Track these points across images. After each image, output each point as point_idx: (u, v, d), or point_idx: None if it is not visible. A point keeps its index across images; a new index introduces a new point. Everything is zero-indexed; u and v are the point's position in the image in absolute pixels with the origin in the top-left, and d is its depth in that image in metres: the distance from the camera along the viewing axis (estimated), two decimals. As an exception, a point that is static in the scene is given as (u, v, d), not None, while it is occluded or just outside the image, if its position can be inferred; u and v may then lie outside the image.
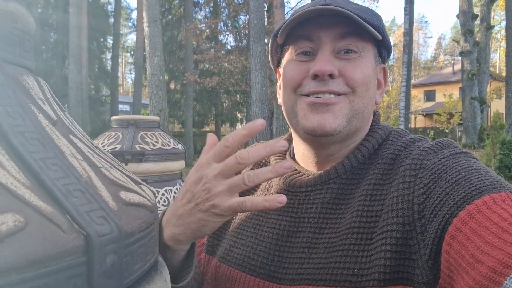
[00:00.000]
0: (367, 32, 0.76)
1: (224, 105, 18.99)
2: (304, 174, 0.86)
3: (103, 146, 2.05)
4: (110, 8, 20.70)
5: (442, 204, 0.64)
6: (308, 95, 0.79)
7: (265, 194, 0.89)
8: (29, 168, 0.30)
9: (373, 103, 0.85)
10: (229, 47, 17.41)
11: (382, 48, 0.85)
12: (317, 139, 0.81)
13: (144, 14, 7.43)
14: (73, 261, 0.28)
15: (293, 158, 0.92)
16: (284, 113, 0.88)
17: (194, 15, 18.61)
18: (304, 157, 0.88)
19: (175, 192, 2.22)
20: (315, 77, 0.78)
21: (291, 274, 0.77)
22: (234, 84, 12.91)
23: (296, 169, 0.88)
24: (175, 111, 18.69)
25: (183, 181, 2.57)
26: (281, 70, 0.89)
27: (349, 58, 0.79)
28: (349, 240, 0.73)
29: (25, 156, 0.31)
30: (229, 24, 18.54)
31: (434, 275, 0.63)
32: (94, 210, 0.31)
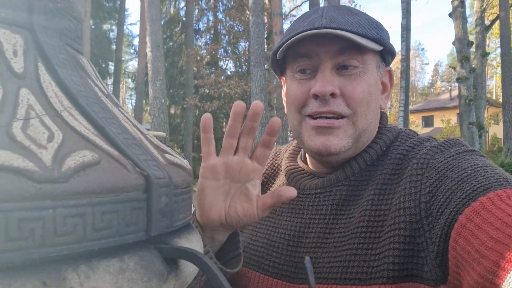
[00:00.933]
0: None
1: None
2: (315, 176, 0.88)
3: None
4: (113, 35, 21.11)
5: (448, 202, 0.64)
6: (311, 115, 0.80)
7: None
8: (95, 123, 0.36)
9: (378, 111, 0.85)
10: (229, 73, 17.68)
11: (385, 53, 0.84)
12: (323, 158, 0.82)
13: (148, 40, 7.60)
14: (136, 195, 0.34)
15: (304, 161, 0.93)
16: (291, 130, 0.89)
17: (195, 41, 18.96)
18: (313, 161, 0.89)
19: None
20: (316, 97, 0.78)
21: (302, 273, 0.80)
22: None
23: (306, 171, 0.90)
24: (175, 136, 18.78)
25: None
26: (285, 79, 0.90)
27: (350, 73, 0.78)
28: (357, 239, 0.74)
29: (91, 113, 0.37)
30: (229, 51, 18.87)
31: (443, 272, 0.64)
32: (149, 160, 0.37)
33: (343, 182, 0.82)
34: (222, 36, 19.10)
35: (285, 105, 0.92)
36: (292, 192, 0.68)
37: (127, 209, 0.32)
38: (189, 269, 0.39)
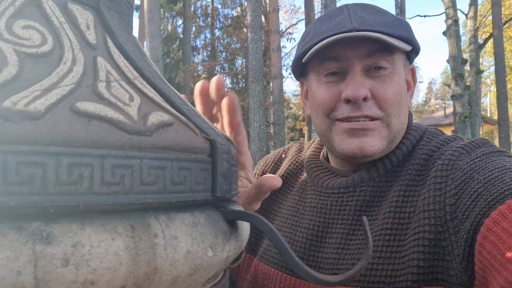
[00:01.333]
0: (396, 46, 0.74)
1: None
2: (337, 175, 0.86)
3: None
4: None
5: (474, 205, 0.63)
6: (342, 120, 0.77)
7: (300, 194, 0.90)
8: (161, 92, 0.38)
9: (407, 112, 0.83)
10: (226, 89, 17.76)
11: (411, 51, 0.82)
12: (357, 160, 0.80)
13: (147, 54, 7.65)
14: (204, 158, 0.36)
15: (327, 158, 0.92)
16: (317, 134, 0.87)
17: (192, 58, 19.11)
18: (337, 159, 0.87)
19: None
20: (348, 101, 0.76)
21: (325, 273, 0.75)
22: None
23: (329, 169, 0.88)
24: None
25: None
26: (305, 82, 0.88)
27: (380, 75, 0.77)
28: (381, 241, 0.73)
29: (157, 85, 0.39)
30: (226, 67, 19.01)
31: (469, 276, 0.63)
32: (210, 128, 0.39)
33: (368, 182, 0.80)
34: (219, 53, 19.27)
35: (305, 107, 0.90)
36: (275, 181, 0.58)
37: (197, 168, 0.34)
38: (245, 234, 0.41)
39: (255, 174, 1.01)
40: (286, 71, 18.55)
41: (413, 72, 0.87)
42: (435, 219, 0.68)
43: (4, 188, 0.24)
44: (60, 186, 0.25)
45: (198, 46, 20.73)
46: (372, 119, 0.76)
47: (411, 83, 0.87)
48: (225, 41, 18.01)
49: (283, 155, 1.01)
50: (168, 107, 0.36)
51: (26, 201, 0.24)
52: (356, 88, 0.74)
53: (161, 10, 20.35)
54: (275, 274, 0.84)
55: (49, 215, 0.25)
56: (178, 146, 0.33)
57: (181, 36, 19.61)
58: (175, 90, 0.45)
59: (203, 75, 16.87)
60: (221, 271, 0.39)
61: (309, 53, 0.78)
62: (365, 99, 0.75)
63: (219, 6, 19.83)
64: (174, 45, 21.56)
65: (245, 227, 0.40)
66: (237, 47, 16.97)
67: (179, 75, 17.26)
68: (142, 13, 9.14)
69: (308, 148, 0.98)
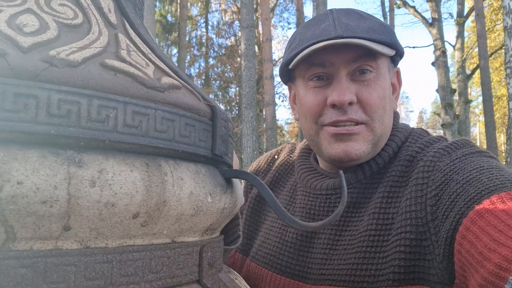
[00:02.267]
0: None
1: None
2: (326, 176, 0.88)
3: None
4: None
5: (453, 205, 0.64)
6: (329, 124, 0.79)
7: (291, 195, 0.92)
8: (170, 67, 0.45)
9: (392, 115, 0.85)
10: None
11: (395, 55, 0.83)
12: (343, 164, 0.82)
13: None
14: (207, 122, 0.41)
15: (316, 160, 0.93)
16: (306, 139, 0.88)
17: (186, 86, 19.30)
18: (327, 163, 0.88)
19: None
20: (334, 106, 0.78)
21: (314, 274, 0.80)
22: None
23: (318, 171, 0.90)
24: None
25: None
26: (293, 87, 0.90)
27: (365, 79, 0.79)
28: (366, 242, 0.75)
29: (167, 61, 0.45)
30: (219, 95, 19.22)
31: (449, 274, 0.64)
32: (208, 98, 0.45)
33: (354, 184, 0.82)
34: (213, 81, 19.53)
35: (293, 111, 0.92)
36: None
37: (200, 127, 0.40)
38: (239, 193, 0.46)
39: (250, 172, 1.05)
40: (279, 98, 18.75)
41: (398, 74, 0.90)
42: (416, 220, 0.70)
43: (47, 119, 0.29)
44: (91, 122, 0.31)
45: (193, 74, 21.01)
46: (357, 123, 0.79)
47: (396, 85, 0.90)
48: (219, 69, 18.30)
49: (276, 156, 1.04)
50: (176, 76, 0.42)
51: (64, 131, 0.30)
52: (341, 93, 0.76)
53: (156, 39, 20.71)
54: (266, 273, 0.85)
55: (81, 146, 0.31)
56: (185, 105, 0.39)
57: (176, 65, 19.87)
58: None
59: (197, 102, 17.01)
60: (218, 223, 0.44)
61: (295, 59, 0.79)
62: (350, 103, 0.77)
63: (214, 36, 20.22)
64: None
65: (239, 187, 0.45)
66: (231, 75, 17.23)
67: (173, 101, 17.38)
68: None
69: (299, 149, 1.00)
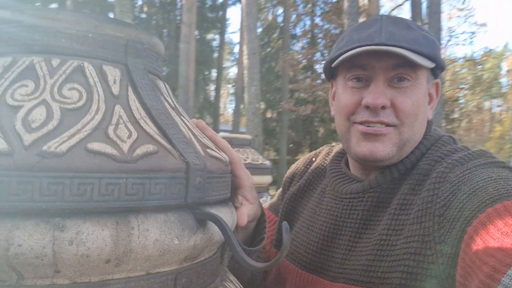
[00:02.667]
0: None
1: (319, 133, 19.10)
2: (353, 180, 0.93)
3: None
4: (215, 43, 22.36)
5: (459, 215, 0.67)
6: (360, 123, 0.84)
7: (319, 198, 0.99)
8: (159, 127, 0.55)
9: (425, 124, 0.88)
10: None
11: (436, 68, 0.86)
12: (368, 163, 0.87)
13: (245, 48, 8.01)
14: (180, 175, 0.51)
15: (347, 164, 0.99)
16: (338, 135, 0.94)
17: (291, 46, 19.25)
18: (355, 164, 0.94)
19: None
20: (367, 107, 0.82)
21: (333, 272, 0.87)
22: (329, 112, 13.05)
23: (347, 175, 0.95)
24: (271, 139, 19.26)
25: (269, 195, 2.82)
26: (334, 84, 0.95)
27: (402, 86, 0.82)
28: (377, 246, 0.80)
29: (158, 121, 0.55)
30: (325, 54, 18.81)
31: (450, 283, 0.67)
32: (191, 152, 0.55)
33: (375, 189, 0.86)
34: (319, 40, 19.13)
35: (331, 107, 0.98)
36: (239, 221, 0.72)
37: (173, 183, 0.50)
38: (215, 229, 0.55)
39: (286, 176, 1.13)
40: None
41: (437, 86, 0.92)
42: (423, 230, 0.73)
43: (40, 198, 0.42)
44: (72, 196, 0.43)
45: (298, 34, 20.79)
46: (387, 125, 0.83)
47: (433, 96, 0.92)
48: (325, 27, 17.81)
49: (314, 159, 1.10)
50: (159, 139, 0.52)
51: (51, 205, 0.42)
52: (376, 96, 0.81)
53: (263, 0, 20.80)
54: (293, 269, 0.95)
55: (65, 214, 0.43)
56: (157, 168, 0.49)
57: (281, 25, 19.84)
58: (182, 120, 0.62)
59: (302, 63, 16.94)
60: (196, 254, 0.54)
61: (338, 59, 0.85)
62: (383, 107, 0.82)
63: (320, -7, 19.61)
64: (274, 34, 21.92)
65: (213, 224, 0.55)
66: (337, 33, 16.67)
67: (279, 64, 17.55)
68: (243, 6, 9.53)
69: (334, 153, 1.06)
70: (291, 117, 17.30)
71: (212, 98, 22.17)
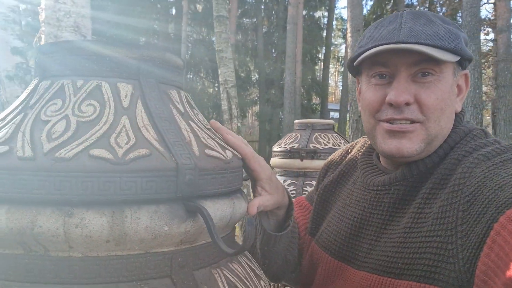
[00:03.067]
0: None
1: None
2: (382, 172, 0.94)
3: (284, 145, 2.47)
4: (324, 21, 21.96)
5: (485, 211, 0.67)
6: (385, 121, 0.85)
7: (351, 189, 1.03)
8: (159, 132, 0.66)
9: (453, 116, 0.87)
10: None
11: (462, 60, 0.85)
12: (395, 160, 0.88)
13: (348, 25, 7.79)
14: (171, 174, 0.61)
15: (378, 156, 1.00)
16: (365, 132, 0.96)
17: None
18: (384, 158, 0.96)
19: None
20: (391, 104, 0.83)
21: (359, 260, 0.91)
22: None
23: (378, 167, 0.97)
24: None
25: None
26: (360, 80, 0.96)
27: (425, 81, 0.82)
28: (400, 238, 0.82)
29: (159, 127, 0.66)
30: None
31: (469, 279, 0.68)
32: (184, 154, 0.64)
33: (401, 182, 0.87)
34: (438, 8, 17.56)
35: (359, 104, 0.99)
36: (248, 210, 0.81)
37: (163, 180, 0.61)
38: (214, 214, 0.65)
39: (322, 167, 1.17)
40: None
41: (466, 77, 0.90)
42: (446, 225, 0.74)
43: (55, 191, 0.56)
44: (77, 190, 0.56)
45: (414, 3, 19.34)
46: (413, 121, 0.83)
47: (462, 88, 0.90)
48: (444, -5, 16.26)
49: (350, 150, 1.12)
50: (155, 143, 0.63)
51: (62, 197, 0.56)
52: (398, 93, 0.82)
53: (374, -29, 19.71)
54: (324, 255, 1.01)
55: (73, 204, 0.57)
56: (148, 168, 0.60)
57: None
58: (189, 125, 0.72)
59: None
60: (190, 239, 0.64)
61: (359, 58, 0.87)
62: (407, 104, 0.82)
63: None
64: (388, 5, 20.70)
65: (216, 208, 0.64)
66: (457, 0, 15.12)
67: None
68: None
69: (368, 145, 1.07)
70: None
71: (320, 78, 21.95)
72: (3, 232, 0.56)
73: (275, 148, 2.52)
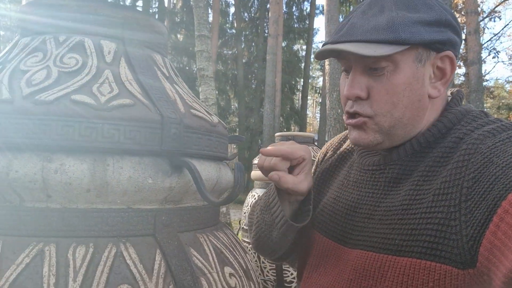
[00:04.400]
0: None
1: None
2: (377, 153, 0.93)
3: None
4: (302, 53, 22.53)
5: (491, 188, 0.66)
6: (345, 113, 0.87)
7: (348, 171, 1.00)
8: (143, 87, 0.64)
9: (422, 104, 0.85)
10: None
11: (425, 45, 0.82)
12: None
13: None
14: (155, 126, 0.59)
15: None
16: None
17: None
18: None
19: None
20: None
21: (352, 239, 0.88)
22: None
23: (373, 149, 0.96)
24: (360, 147, 18.70)
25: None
26: None
27: (377, 74, 0.82)
28: (397, 215, 0.80)
29: (143, 83, 0.64)
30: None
31: (472, 256, 0.66)
32: (169, 108, 0.63)
33: (396, 161, 0.87)
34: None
35: None
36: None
37: (147, 132, 0.59)
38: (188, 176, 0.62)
39: (321, 152, 1.16)
40: (489, 55, 16.27)
41: (450, 59, 0.86)
42: (449, 201, 0.72)
43: (32, 135, 0.53)
44: (57, 135, 0.54)
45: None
46: (362, 116, 0.82)
47: (445, 70, 0.87)
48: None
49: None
50: (138, 96, 0.61)
51: (41, 142, 0.53)
52: (348, 88, 0.81)
53: (351, 6, 20.49)
54: (318, 236, 0.97)
55: (52, 150, 0.54)
56: (131, 118, 0.58)
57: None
58: (173, 85, 0.70)
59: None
60: (175, 197, 0.61)
61: (315, 53, 0.87)
62: (361, 97, 0.81)
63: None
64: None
65: (208, 169, 0.62)
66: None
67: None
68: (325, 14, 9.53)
69: None
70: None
71: (298, 107, 22.28)
72: (-26, 178, 0.53)
73: (256, 160, 2.50)
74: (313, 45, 23.39)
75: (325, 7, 8.98)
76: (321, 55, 0.89)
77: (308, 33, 20.99)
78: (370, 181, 0.92)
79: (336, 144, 1.14)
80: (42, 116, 0.53)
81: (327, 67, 8.50)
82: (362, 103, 0.83)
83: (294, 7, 21.13)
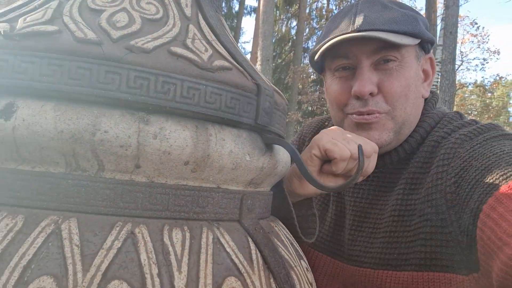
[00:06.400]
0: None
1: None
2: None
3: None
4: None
5: (473, 192, 0.64)
6: (353, 113, 0.83)
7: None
8: (229, 51, 0.55)
9: (419, 101, 0.85)
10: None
11: (424, 42, 0.83)
12: None
13: (259, 54, 8.05)
14: (252, 96, 0.51)
15: None
16: (334, 124, 0.92)
17: (302, 59, 19.32)
18: None
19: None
20: (357, 96, 0.81)
21: (345, 253, 0.86)
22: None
23: None
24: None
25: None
26: (325, 76, 0.92)
27: (388, 68, 0.80)
28: (390, 227, 0.78)
29: (228, 47, 0.56)
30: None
31: (474, 261, 0.65)
32: (261, 79, 0.55)
33: (381, 169, 0.85)
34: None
35: (327, 99, 0.95)
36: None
37: (245, 101, 0.50)
38: (281, 156, 0.55)
39: (296, 138, 1.10)
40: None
41: (431, 61, 0.89)
42: (436, 208, 0.71)
43: (127, 89, 0.42)
44: (156, 93, 0.43)
45: (310, 47, 20.91)
46: (379, 113, 0.81)
47: (429, 73, 0.89)
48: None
49: (326, 123, 1.07)
50: (230, 59, 0.53)
51: (137, 98, 0.43)
52: (362, 84, 0.79)
53: (277, 12, 20.96)
54: (312, 252, 0.93)
55: (149, 109, 0.43)
56: (232, 83, 0.49)
57: (294, 37, 19.97)
58: (242, 53, 0.62)
59: (312, 76, 17.01)
60: (260, 179, 0.54)
61: (318, 52, 0.84)
62: (371, 94, 0.80)
63: (334, 8, 19.73)
64: (286, 46, 22.06)
65: (280, 151, 0.55)
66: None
67: (289, 75, 17.62)
68: (258, 14, 9.63)
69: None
70: (296, 128, 17.27)
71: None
72: (47, 136, 0.40)
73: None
74: (239, 45, 23.49)
75: (261, 8, 9.08)
76: (330, 52, 0.81)
77: (235, 32, 21.04)
78: (355, 189, 0.88)
79: (314, 130, 1.08)
80: (140, 68, 0.43)
81: (258, 67, 8.59)
82: (375, 100, 0.80)
83: (223, 4, 21.05)
